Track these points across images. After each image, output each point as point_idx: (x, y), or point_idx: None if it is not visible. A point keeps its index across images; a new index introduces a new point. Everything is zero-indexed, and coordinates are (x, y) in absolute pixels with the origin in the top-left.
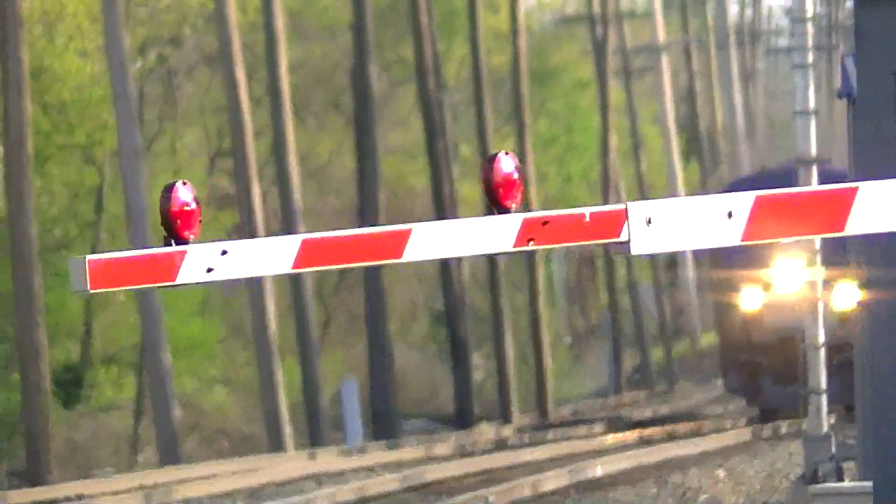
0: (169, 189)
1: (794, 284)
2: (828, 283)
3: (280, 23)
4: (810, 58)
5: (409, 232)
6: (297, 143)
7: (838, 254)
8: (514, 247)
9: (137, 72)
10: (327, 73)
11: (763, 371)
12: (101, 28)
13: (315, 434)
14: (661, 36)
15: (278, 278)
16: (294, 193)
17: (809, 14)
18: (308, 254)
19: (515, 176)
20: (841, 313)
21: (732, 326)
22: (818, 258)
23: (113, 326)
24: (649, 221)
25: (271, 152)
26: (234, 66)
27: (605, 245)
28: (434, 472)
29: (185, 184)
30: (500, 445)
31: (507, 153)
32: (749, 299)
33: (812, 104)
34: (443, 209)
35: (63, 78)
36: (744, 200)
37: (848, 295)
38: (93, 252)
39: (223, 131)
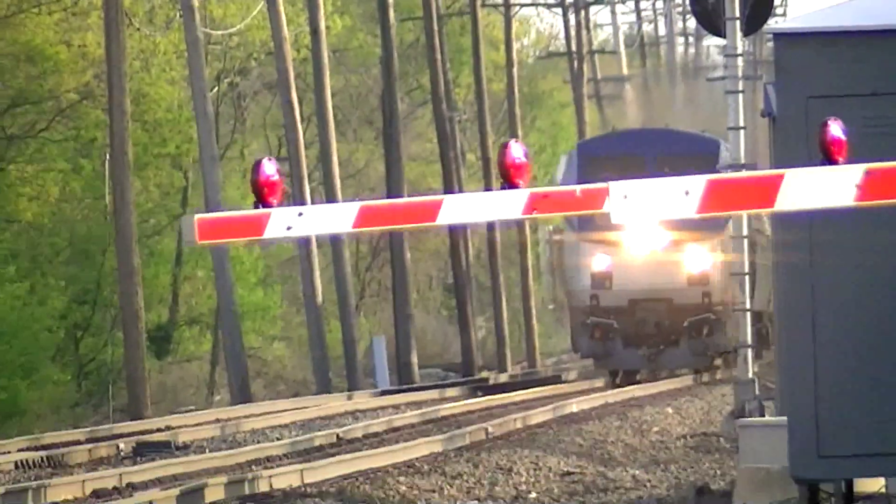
0: (257, 164)
1: (643, 249)
2: (680, 247)
3: (325, 57)
4: (740, 85)
5: (441, 201)
6: (338, 152)
7: (687, 224)
8: (522, 214)
9: (214, 96)
10: (362, 97)
11: (613, 335)
12: (185, 62)
13: (352, 380)
14: (625, 69)
15: (325, 257)
16: (337, 192)
17: (739, 51)
18: (365, 217)
19: (524, 159)
20: (690, 276)
21: (583, 291)
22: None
23: (194, 295)
24: (626, 197)
25: (318, 159)
26: (290, 91)
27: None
28: (446, 410)
29: (269, 160)
30: (498, 389)
31: (517, 141)
32: (598, 264)
33: (741, 122)
34: None
35: (157, 101)
36: (698, 182)
37: (700, 259)
38: (179, 237)
39: (281, 142)
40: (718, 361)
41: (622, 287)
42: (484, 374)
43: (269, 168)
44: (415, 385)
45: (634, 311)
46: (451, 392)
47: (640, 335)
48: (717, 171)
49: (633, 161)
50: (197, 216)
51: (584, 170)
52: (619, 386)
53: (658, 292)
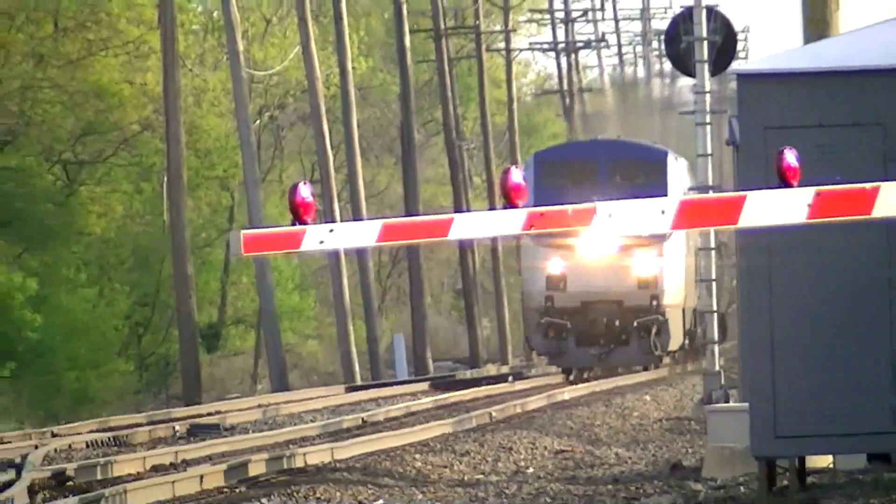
0: (294, 187)
1: (595, 253)
2: (630, 252)
3: (352, 94)
4: (707, 118)
5: (452, 220)
6: (363, 175)
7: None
8: (522, 230)
9: (256, 127)
10: (384, 128)
11: (567, 334)
12: (231, 98)
13: (375, 372)
14: (610, 104)
15: (351, 266)
16: (362, 209)
17: (707, 89)
18: (387, 233)
19: (522, 183)
20: (640, 279)
21: (538, 292)
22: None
23: (240, 298)
24: (610, 215)
25: (346, 181)
26: (321, 123)
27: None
28: (455, 397)
29: (305, 183)
30: (500, 379)
31: (516, 167)
32: (553, 267)
33: (709, 149)
34: None
35: (207, 132)
36: (672, 203)
37: (648, 263)
38: (226, 249)
39: (314, 167)
40: (666, 360)
41: (576, 289)
42: (488, 365)
43: (305, 191)
44: (428, 375)
45: (587, 311)
46: (459, 381)
47: (592, 335)
48: (666, 181)
49: (587, 166)
50: (243, 232)
51: (540, 175)
52: (573, 383)
53: (609, 294)
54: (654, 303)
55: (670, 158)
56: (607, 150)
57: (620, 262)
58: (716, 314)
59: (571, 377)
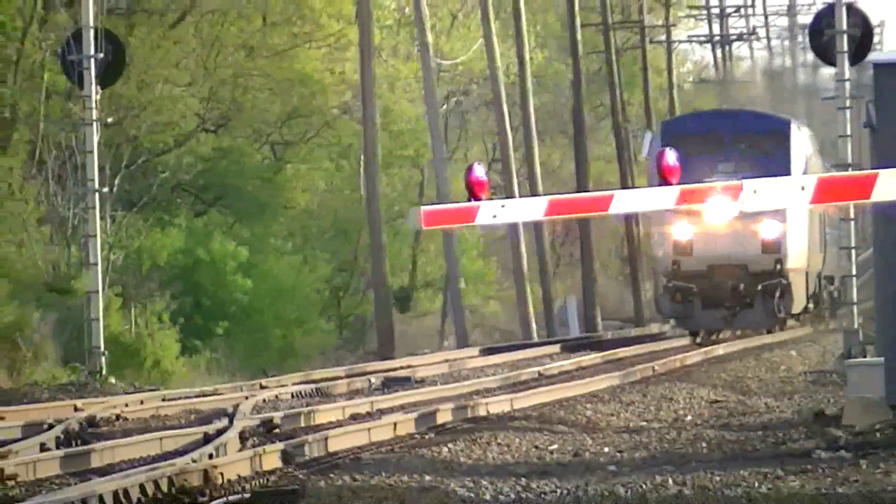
0: (469, 168)
1: (720, 218)
2: (754, 218)
3: (529, 82)
4: (847, 103)
5: (612, 196)
6: (539, 155)
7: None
8: (675, 205)
9: (443, 111)
10: (558, 112)
11: (693, 297)
12: (421, 85)
13: (550, 330)
14: (760, 91)
15: (529, 235)
16: (538, 185)
17: (847, 77)
18: (553, 208)
19: (677, 164)
20: (764, 243)
21: (666, 257)
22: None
23: (428, 264)
24: (755, 191)
25: (524, 160)
26: (502, 107)
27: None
28: (622, 353)
29: (479, 164)
30: (660, 336)
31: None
32: (680, 233)
33: (849, 131)
34: None
35: (399, 115)
36: (811, 180)
37: (772, 228)
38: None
39: (495, 147)
40: (791, 322)
41: (702, 254)
42: (651, 325)
43: (479, 171)
44: (597, 333)
45: (713, 275)
46: (626, 339)
47: (718, 298)
48: (789, 150)
49: (712, 137)
50: (423, 208)
51: (667, 144)
52: (700, 345)
53: (734, 259)
54: (778, 267)
55: (793, 128)
56: (732, 120)
57: (745, 228)
58: (854, 278)
59: (698, 340)
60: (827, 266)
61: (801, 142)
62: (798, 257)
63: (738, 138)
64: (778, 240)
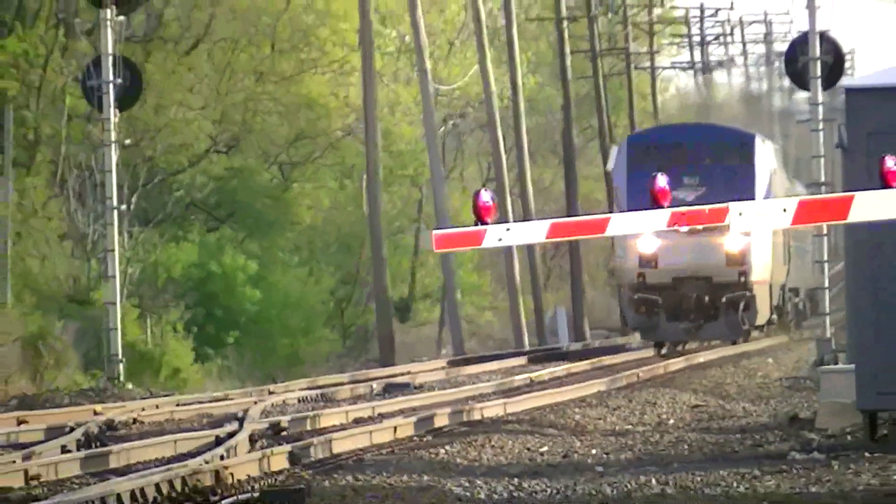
0: (477, 193)
1: (634, 226)
2: (719, 230)
3: (521, 105)
4: (821, 125)
5: (608, 219)
6: (531, 173)
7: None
8: (667, 227)
9: (441, 133)
10: (549, 134)
11: (658, 309)
12: (420, 108)
13: (542, 339)
14: (738, 114)
15: (521, 252)
16: (530, 202)
17: (820, 101)
18: (554, 230)
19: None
20: (728, 256)
21: (631, 269)
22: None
23: (427, 277)
24: (741, 213)
25: (517, 179)
26: (496, 130)
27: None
28: (609, 360)
29: (486, 190)
30: (626, 348)
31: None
32: (645, 246)
33: (822, 151)
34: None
35: (400, 137)
36: (792, 202)
37: (736, 241)
38: (416, 236)
39: (489, 166)
40: (755, 334)
41: (667, 266)
42: (636, 333)
43: (486, 196)
44: (586, 342)
45: (678, 287)
46: (613, 348)
47: (683, 310)
48: (753, 163)
49: (677, 150)
50: (434, 232)
51: (632, 158)
52: (665, 357)
53: (699, 271)
54: (743, 279)
55: (758, 141)
56: (696, 134)
57: (710, 240)
58: (826, 291)
59: (663, 351)
60: (791, 278)
61: (766, 155)
62: (762, 270)
63: (703, 152)
64: (742, 252)
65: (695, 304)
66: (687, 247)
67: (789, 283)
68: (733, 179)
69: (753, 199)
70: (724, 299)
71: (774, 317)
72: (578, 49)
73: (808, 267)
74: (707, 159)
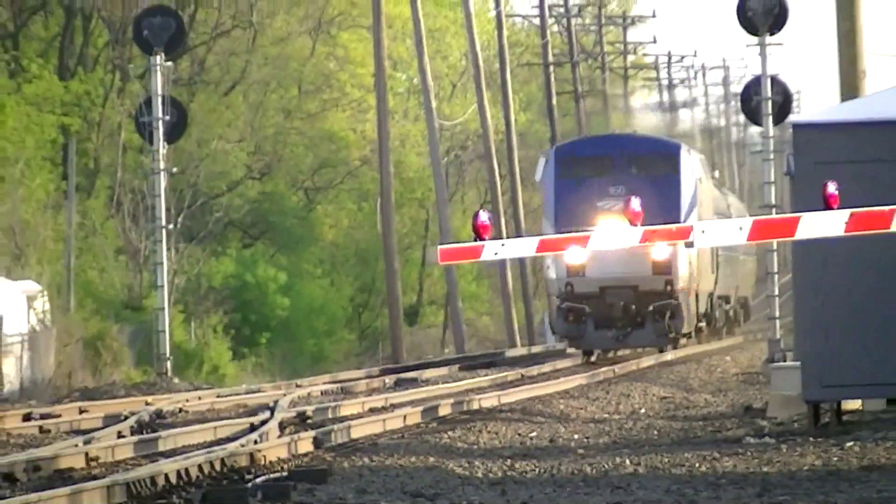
0: (476, 214)
1: (613, 242)
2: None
3: (514, 138)
4: (771, 156)
5: (588, 236)
6: (522, 197)
7: (655, 220)
8: (639, 242)
9: (444, 163)
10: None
11: (586, 318)
12: (426, 141)
13: (531, 340)
14: (700, 145)
15: (515, 264)
16: (521, 222)
17: (771, 134)
18: (542, 245)
19: (639, 210)
20: (655, 265)
21: (559, 279)
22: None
23: (433, 286)
24: (703, 231)
25: (510, 202)
26: (492, 160)
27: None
28: (536, 371)
29: (484, 210)
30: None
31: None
32: (572, 255)
33: (773, 178)
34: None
35: (409, 166)
36: (747, 222)
37: (662, 250)
38: (423, 250)
39: (487, 191)
40: (683, 341)
41: (594, 275)
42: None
43: (484, 216)
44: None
45: (605, 296)
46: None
47: (610, 318)
48: (679, 173)
49: (603, 160)
50: (439, 247)
51: (559, 168)
52: (593, 364)
53: (626, 280)
54: (669, 288)
55: (683, 151)
56: (623, 144)
57: (637, 249)
58: (776, 298)
59: (592, 359)
60: (720, 286)
61: (691, 165)
62: (688, 278)
63: (629, 161)
64: (668, 261)
65: (622, 313)
66: (614, 256)
67: (718, 290)
68: (659, 188)
69: (679, 208)
70: (650, 307)
71: (703, 324)
72: (563, 90)
73: (740, 275)
74: (634, 169)
